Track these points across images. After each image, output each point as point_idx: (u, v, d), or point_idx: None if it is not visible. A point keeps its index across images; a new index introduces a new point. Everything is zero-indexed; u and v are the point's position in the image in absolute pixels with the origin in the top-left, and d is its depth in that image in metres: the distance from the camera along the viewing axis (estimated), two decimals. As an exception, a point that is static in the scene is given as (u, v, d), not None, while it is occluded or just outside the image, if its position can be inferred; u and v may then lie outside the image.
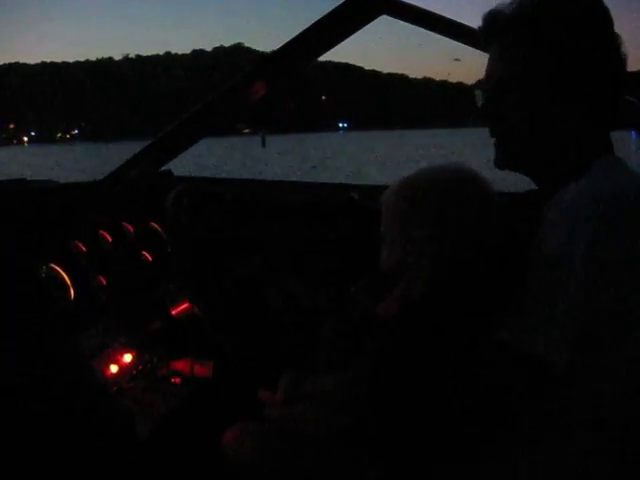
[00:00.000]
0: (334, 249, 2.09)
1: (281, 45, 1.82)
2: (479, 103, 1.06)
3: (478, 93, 1.06)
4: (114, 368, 1.59)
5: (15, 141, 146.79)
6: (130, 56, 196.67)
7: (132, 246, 1.87)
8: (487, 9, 1.02)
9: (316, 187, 2.45)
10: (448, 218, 1.03)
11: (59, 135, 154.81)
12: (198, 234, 1.99)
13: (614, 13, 0.99)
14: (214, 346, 1.81)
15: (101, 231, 1.79)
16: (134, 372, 1.65)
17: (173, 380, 1.70)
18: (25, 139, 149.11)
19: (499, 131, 1.05)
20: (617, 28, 0.98)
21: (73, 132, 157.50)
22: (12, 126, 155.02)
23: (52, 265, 1.55)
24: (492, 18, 1.01)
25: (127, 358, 1.64)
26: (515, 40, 0.99)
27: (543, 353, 0.87)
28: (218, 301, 1.93)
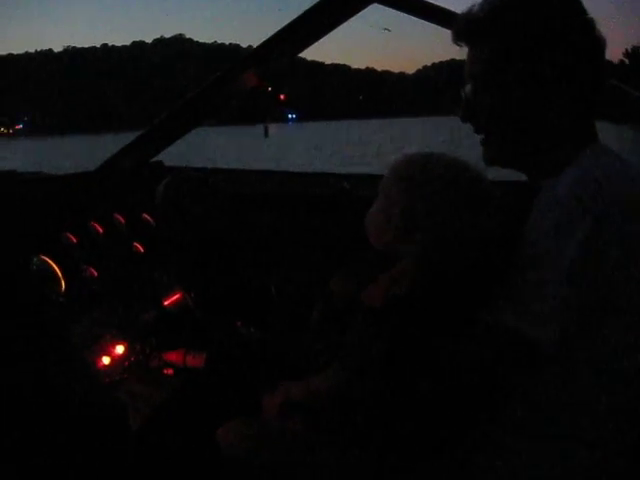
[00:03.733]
0: (325, 238, 2.09)
1: (272, 34, 1.80)
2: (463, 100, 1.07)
3: (461, 91, 1.07)
4: (106, 360, 1.58)
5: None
6: (68, 48, 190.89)
7: (123, 237, 1.87)
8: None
9: (308, 177, 2.45)
10: (435, 205, 1.03)
11: (2, 130, 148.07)
12: (188, 224, 1.99)
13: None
14: (206, 337, 1.81)
15: (92, 222, 1.78)
16: (126, 363, 1.64)
17: (165, 371, 1.70)
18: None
19: (482, 128, 1.06)
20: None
21: (17, 127, 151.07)
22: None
23: (43, 257, 1.55)
24: (462, 21, 1.03)
25: (119, 349, 1.63)
26: (485, 40, 1.00)
27: (532, 332, 0.88)
28: (209, 291, 1.93)
